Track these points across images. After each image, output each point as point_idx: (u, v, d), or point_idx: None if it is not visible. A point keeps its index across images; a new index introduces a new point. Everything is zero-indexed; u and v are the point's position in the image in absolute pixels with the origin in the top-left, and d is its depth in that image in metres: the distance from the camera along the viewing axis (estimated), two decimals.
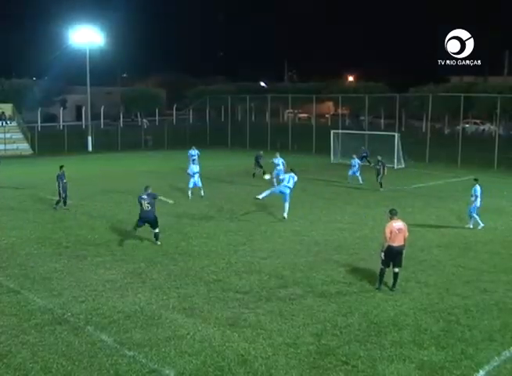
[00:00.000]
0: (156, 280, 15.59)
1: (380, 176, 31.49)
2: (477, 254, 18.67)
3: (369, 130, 51.72)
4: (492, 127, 57.01)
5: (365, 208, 26.21)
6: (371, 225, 22.23)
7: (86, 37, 57.06)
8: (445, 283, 15.58)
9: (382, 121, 63.70)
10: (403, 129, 57.90)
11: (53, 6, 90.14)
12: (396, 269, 14.78)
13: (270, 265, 17.01)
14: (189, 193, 28.42)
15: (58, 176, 25.42)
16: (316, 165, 42.90)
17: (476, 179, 22.79)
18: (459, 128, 51.16)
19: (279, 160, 32.42)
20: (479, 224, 22.33)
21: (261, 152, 37.22)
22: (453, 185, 33.37)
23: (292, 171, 23.88)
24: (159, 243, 19.38)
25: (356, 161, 33.99)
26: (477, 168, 40.60)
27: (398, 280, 14.92)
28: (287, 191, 23.17)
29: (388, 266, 14.81)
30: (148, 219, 19.42)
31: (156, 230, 19.47)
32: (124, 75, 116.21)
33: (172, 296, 14.33)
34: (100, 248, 18.81)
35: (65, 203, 25.67)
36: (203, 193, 28.32)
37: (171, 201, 21.10)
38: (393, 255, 14.65)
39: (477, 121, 60.86)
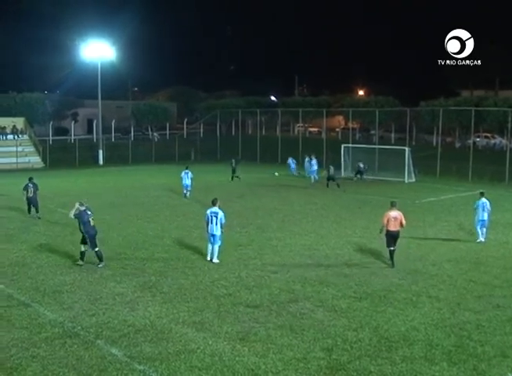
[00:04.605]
0: (166, 294, 15.57)
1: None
2: (488, 268, 18.52)
3: (379, 144, 51.63)
4: (503, 141, 56.72)
5: (376, 223, 25.99)
6: (382, 239, 22.08)
7: (97, 51, 57.61)
8: (456, 297, 15.47)
9: (392, 135, 63.55)
10: (414, 143, 57.69)
11: (65, 21, 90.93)
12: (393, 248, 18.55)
13: (280, 280, 16.96)
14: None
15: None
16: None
17: (482, 193, 22.58)
18: (470, 141, 51.02)
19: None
20: (478, 237, 22.20)
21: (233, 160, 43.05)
22: (464, 199, 33.15)
23: (213, 204, 19.00)
24: (102, 264, 18.15)
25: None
26: (489, 181, 40.44)
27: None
28: (217, 234, 18.83)
29: (391, 246, 18.43)
30: (90, 235, 18.12)
31: (96, 249, 18.21)
32: (135, 89, 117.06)
33: (182, 310, 14.30)
34: (110, 261, 18.75)
35: (29, 211, 26.97)
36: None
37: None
38: (391, 237, 18.50)
39: (488, 135, 60.56)
